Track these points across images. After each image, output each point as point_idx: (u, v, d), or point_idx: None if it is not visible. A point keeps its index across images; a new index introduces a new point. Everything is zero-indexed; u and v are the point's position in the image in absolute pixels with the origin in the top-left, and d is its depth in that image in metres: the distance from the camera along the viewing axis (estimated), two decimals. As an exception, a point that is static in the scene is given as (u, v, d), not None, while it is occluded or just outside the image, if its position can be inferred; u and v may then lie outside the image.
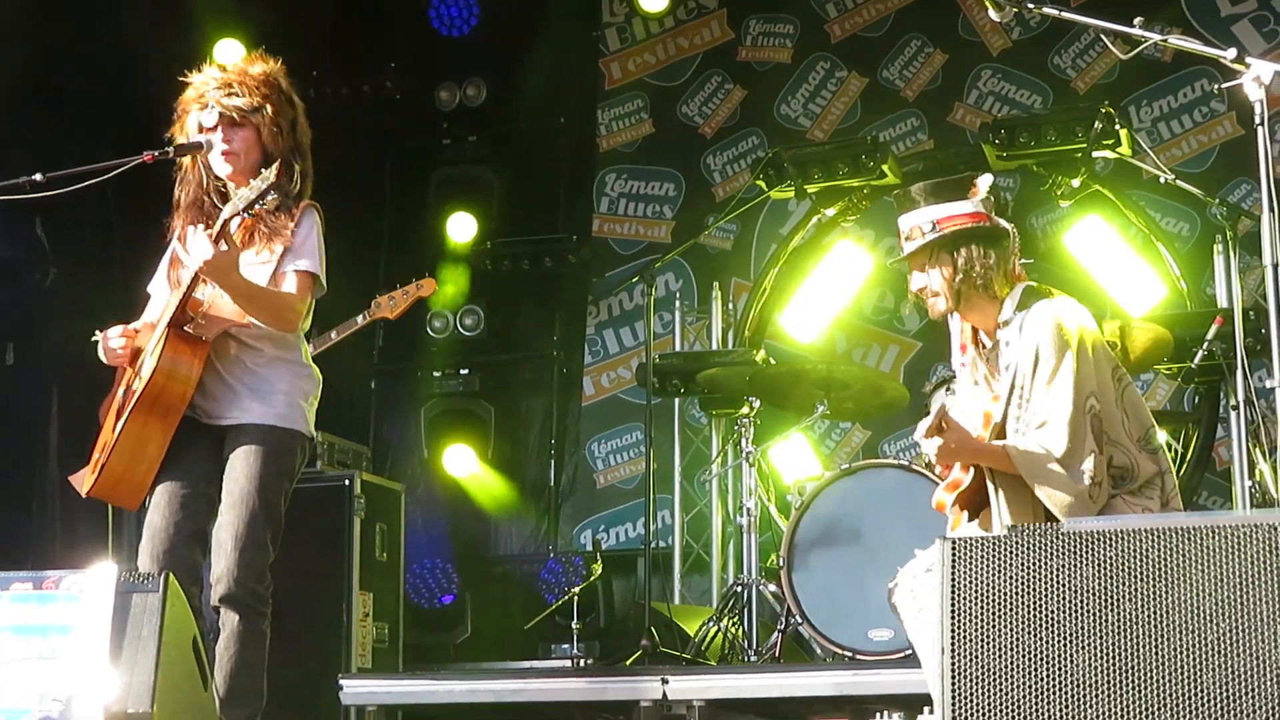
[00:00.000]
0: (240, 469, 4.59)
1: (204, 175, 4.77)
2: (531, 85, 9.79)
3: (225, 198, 4.74)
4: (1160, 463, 4.44)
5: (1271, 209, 3.87)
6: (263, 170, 4.54)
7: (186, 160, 4.80)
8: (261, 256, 4.65)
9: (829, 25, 9.59)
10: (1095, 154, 7.87)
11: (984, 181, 4.58)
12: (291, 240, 4.65)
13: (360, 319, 6.82)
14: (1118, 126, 7.75)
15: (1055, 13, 4.63)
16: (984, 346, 4.61)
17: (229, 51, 8.80)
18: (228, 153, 4.71)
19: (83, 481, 4.79)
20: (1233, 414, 7.44)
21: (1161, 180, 7.50)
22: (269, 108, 4.73)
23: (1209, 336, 7.12)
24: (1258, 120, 3.95)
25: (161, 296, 4.85)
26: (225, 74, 4.78)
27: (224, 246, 4.45)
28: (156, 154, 4.72)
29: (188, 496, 4.61)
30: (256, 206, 4.48)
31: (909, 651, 6.34)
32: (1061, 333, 4.37)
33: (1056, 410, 4.29)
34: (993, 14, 4.62)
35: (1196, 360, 7.16)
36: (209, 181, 4.78)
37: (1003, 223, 4.60)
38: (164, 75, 4.91)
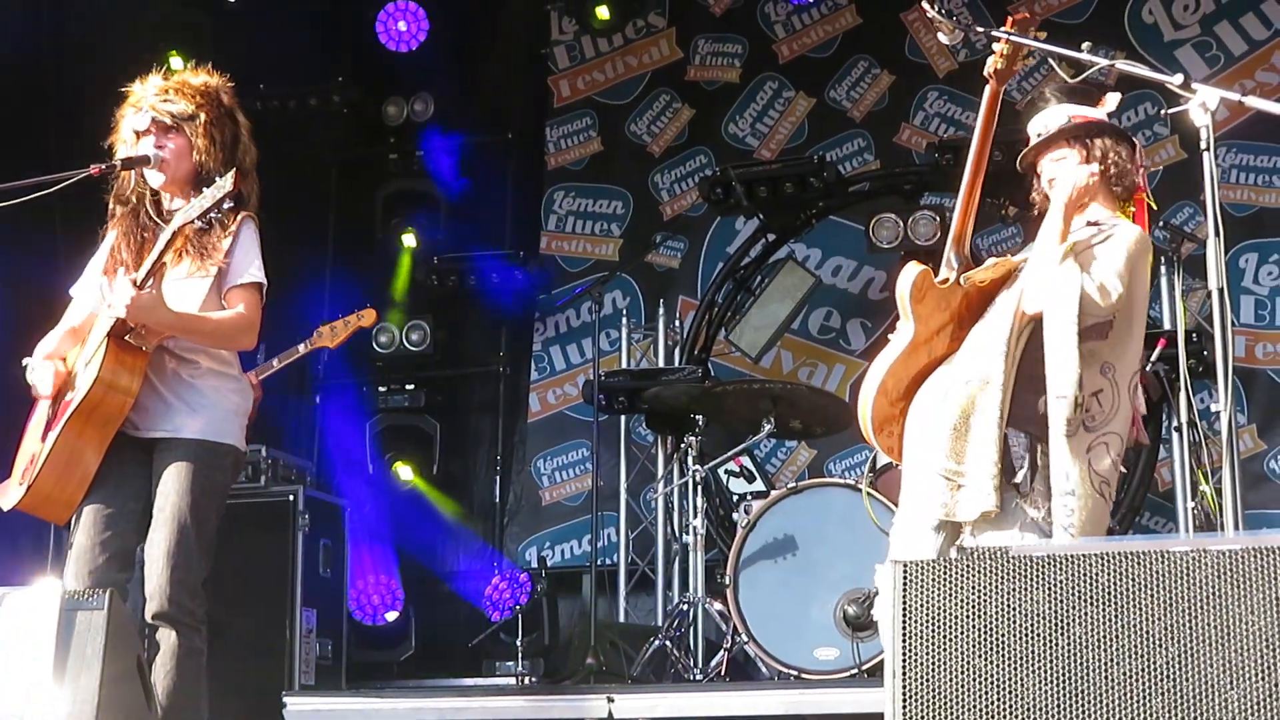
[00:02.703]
0: (171, 484, 4.53)
1: (137, 184, 4.73)
2: (479, 101, 9.79)
3: (159, 206, 4.70)
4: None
5: (1217, 233, 3.90)
6: (205, 182, 4.51)
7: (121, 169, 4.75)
8: (195, 275, 4.60)
9: (777, 46, 9.63)
10: (1041, 175, 7.91)
11: (1112, 98, 4.62)
12: (230, 256, 4.60)
13: (301, 347, 6.79)
14: (1063, 148, 7.78)
15: (1003, 35, 4.66)
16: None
17: (176, 65, 8.77)
18: (158, 161, 4.66)
19: (4, 495, 4.71)
20: (1175, 436, 7.52)
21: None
22: (203, 116, 4.68)
23: (1152, 359, 7.17)
24: (1204, 145, 3.97)
25: (85, 302, 4.79)
26: (165, 82, 4.75)
27: (149, 288, 4.43)
28: (103, 167, 4.68)
29: (114, 515, 4.54)
30: (214, 216, 4.43)
31: (854, 671, 6.37)
32: (1145, 248, 4.45)
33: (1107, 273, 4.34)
34: (941, 36, 4.66)
35: (1139, 382, 7.21)
36: (142, 190, 4.73)
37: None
38: (109, 88, 4.87)
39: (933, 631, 2.84)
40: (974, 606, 2.83)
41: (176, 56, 8.80)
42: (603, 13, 9.52)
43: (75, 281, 4.88)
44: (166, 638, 4.47)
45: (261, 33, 9.23)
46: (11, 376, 4.79)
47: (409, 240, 9.67)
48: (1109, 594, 2.77)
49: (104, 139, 4.82)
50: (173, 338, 4.61)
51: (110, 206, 4.78)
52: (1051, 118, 4.67)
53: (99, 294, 4.71)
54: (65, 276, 4.98)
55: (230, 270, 4.61)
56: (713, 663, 7.03)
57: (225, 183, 4.39)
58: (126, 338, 4.56)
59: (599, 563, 8.15)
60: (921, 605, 2.84)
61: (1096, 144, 4.59)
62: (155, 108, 4.67)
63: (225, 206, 4.42)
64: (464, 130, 9.79)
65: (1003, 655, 2.79)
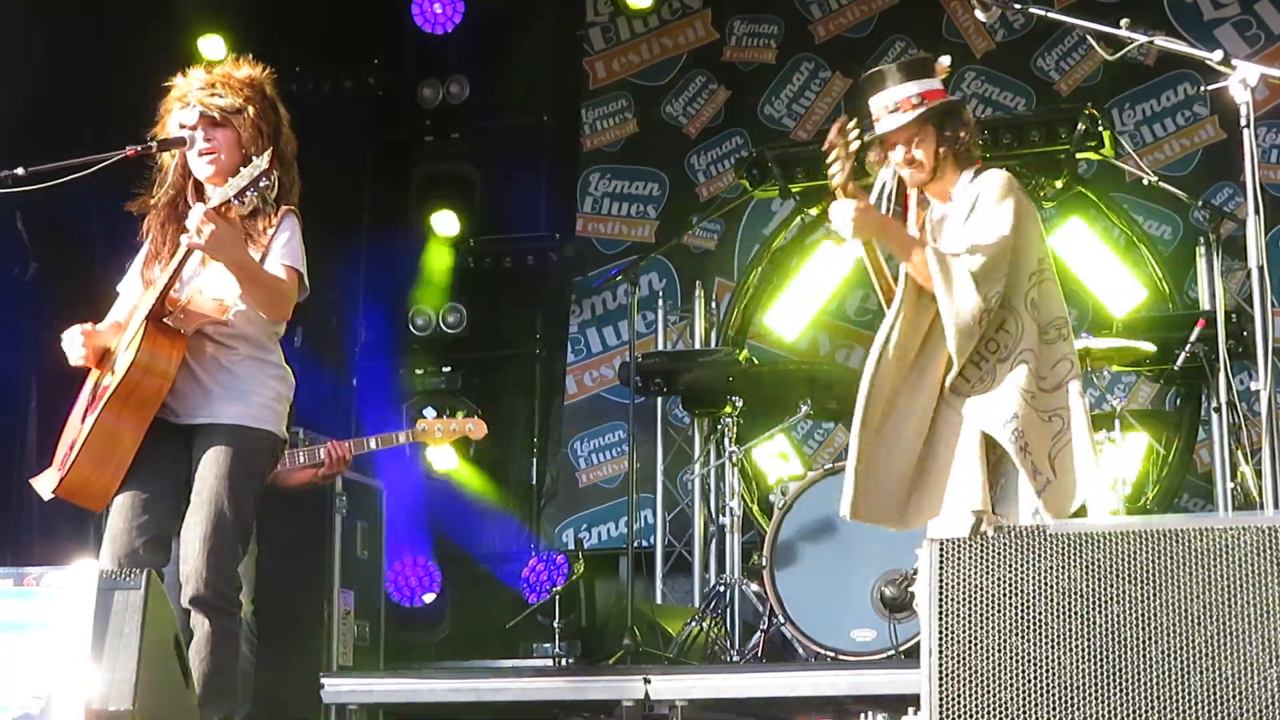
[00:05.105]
0: (210, 469, 4.51)
1: (181, 177, 4.73)
2: (515, 83, 9.79)
3: (200, 199, 4.68)
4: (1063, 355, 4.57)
5: (1257, 211, 3.87)
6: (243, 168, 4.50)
7: (166, 161, 4.75)
8: None
9: (813, 26, 9.59)
10: (1078, 156, 7.90)
11: (945, 60, 4.70)
12: (270, 244, 4.61)
13: (402, 436, 6.68)
14: (1101, 128, 7.77)
15: (1041, 12, 4.63)
16: (932, 220, 4.72)
17: (212, 47, 8.80)
18: (206, 151, 4.66)
19: (44, 483, 4.70)
20: (1214, 416, 7.47)
21: (1144, 183, 7.50)
22: (251, 109, 4.67)
23: (1191, 339, 7.14)
24: (1243, 123, 3.95)
25: (131, 297, 4.79)
26: (209, 75, 4.73)
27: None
28: (139, 149, 4.67)
29: (151, 499, 4.52)
30: (248, 194, 4.42)
31: (891, 652, 6.36)
32: (1010, 186, 4.58)
33: (984, 236, 4.46)
34: (979, 14, 4.63)
35: (1179, 363, 7.18)
36: (186, 183, 4.73)
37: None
38: (146, 70, 4.87)
39: (970, 610, 2.83)
40: (1012, 584, 2.82)
41: (214, 36, 8.86)
42: (641, 1, 9.56)
43: (105, 262, 4.89)
44: (200, 625, 4.46)
45: (297, 15, 9.25)
46: (52, 359, 4.79)
47: (444, 222, 9.67)
48: (1149, 571, 2.76)
49: (143, 121, 4.83)
50: (212, 324, 4.61)
51: (151, 198, 4.77)
52: (903, 92, 4.69)
53: (141, 288, 4.73)
54: (101, 260, 5.00)
55: (269, 256, 4.61)
56: (749, 644, 7.03)
57: (261, 161, 4.38)
58: (165, 320, 4.57)
59: (636, 544, 8.15)
60: (958, 583, 2.83)
61: (947, 127, 4.67)
62: (203, 102, 4.65)
63: (262, 184, 4.40)
64: (499, 112, 9.80)
65: (1042, 634, 2.78)
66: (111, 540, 4.50)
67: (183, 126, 4.66)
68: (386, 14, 9.92)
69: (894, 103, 4.67)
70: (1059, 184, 8.01)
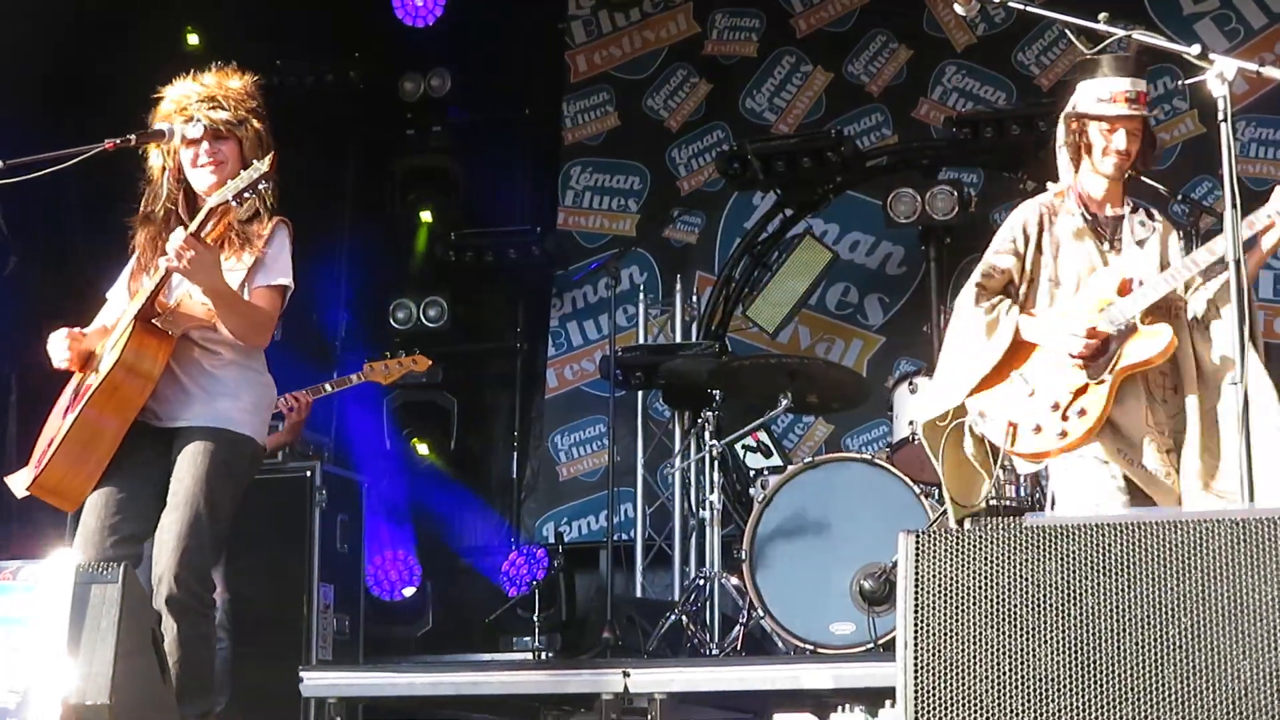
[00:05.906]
0: (187, 469, 4.50)
1: (174, 188, 4.72)
2: (496, 77, 9.78)
3: (192, 210, 4.67)
4: None
5: (1234, 204, 3.88)
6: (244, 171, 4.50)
7: (156, 173, 4.74)
8: (229, 263, 4.59)
9: (794, 19, 9.60)
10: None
11: None
12: (263, 253, 4.60)
13: (355, 377, 7.23)
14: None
15: (1020, 6, 4.63)
16: (1089, 217, 4.95)
17: (193, 41, 8.79)
18: (210, 164, 4.65)
19: (18, 480, 4.66)
20: (1193, 410, 7.48)
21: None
22: (253, 120, 4.69)
23: (1171, 332, 7.13)
24: (1221, 116, 3.96)
25: (119, 305, 4.78)
26: (205, 87, 4.72)
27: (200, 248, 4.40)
28: (118, 141, 4.65)
29: (125, 499, 4.50)
30: (246, 196, 4.41)
31: (870, 645, 6.37)
32: None
33: None
34: (959, 8, 4.63)
35: (1158, 356, 7.18)
36: (179, 194, 4.72)
37: None
38: (127, 62, 4.86)
39: (944, 603, 2.84)
40: (986, 577, 2.83)
41: (193, 34, 8.85)
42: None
43: (86, 255, 4.88)
44: (171, 628, 4.42)
45: (279, 8, 9.23)
46: (33, 353, 4.77)
47: (426, 216, 9.67)
48: (1125, 564, 2.77)
49: (123, 113, 4.81)
50: (199, 328, 4.59)
51: (141, 209, 4.76)
52: (1141, 87, 4.83)
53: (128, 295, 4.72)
54: (81, 253, 4.98)
55: (260, 269, 4.60)
56: (729, 638, 7.03)
57: (262, 164, 4.39)
58: (153, 321, 4.55)
59: (616, 538, 8.15)
60: (932, 576, 2.84)
61: (1151, 137, 4.97)
62: (208, 116, 4.65)
63: (262, 187, 4.40)
64: (481, 106, 9.79)
65: (1017, 626, 2.79)
66: (84, 539, 4.47)
67: (186, 141, 4.65)
68: (368, 7, 9.90)
69: (1136, 93, 4.80)
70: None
